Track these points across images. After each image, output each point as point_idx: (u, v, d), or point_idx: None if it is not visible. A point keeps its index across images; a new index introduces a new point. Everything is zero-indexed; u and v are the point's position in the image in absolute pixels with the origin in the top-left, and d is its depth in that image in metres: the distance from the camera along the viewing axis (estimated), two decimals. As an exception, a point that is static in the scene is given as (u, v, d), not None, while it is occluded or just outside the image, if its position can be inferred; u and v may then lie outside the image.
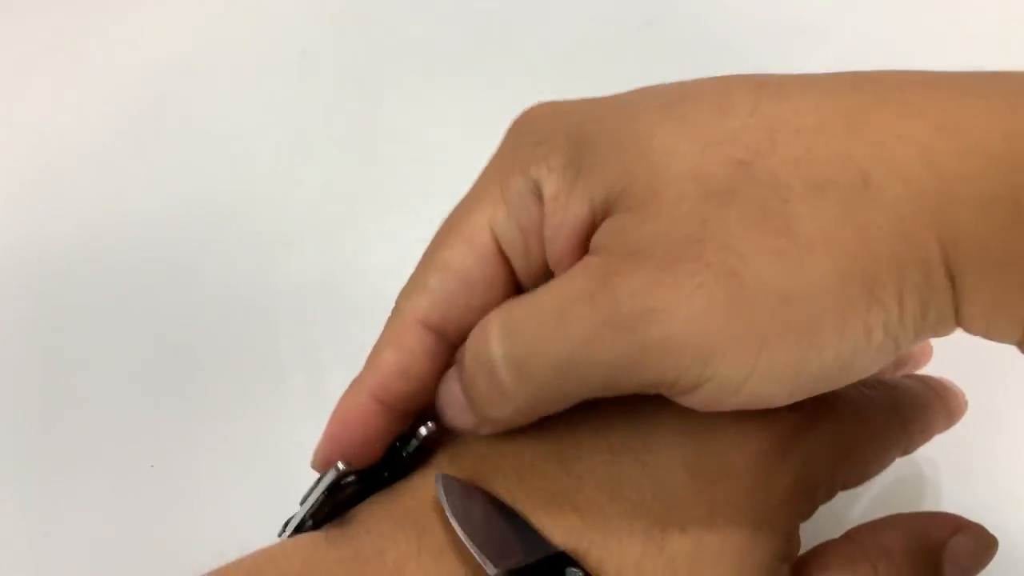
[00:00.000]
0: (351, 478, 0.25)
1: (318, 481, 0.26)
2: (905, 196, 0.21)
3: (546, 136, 0.25)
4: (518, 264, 0.25)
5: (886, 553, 0.26)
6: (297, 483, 0.32)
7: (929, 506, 0.36)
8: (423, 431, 0.26)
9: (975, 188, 0.20)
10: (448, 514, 0.24)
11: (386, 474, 0.27)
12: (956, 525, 0.27)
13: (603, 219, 0.23)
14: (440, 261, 0.26)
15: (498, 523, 0.24)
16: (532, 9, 0.54)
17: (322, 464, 0.26)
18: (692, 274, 0.21)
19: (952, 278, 0.21)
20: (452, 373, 0.26)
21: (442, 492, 0.24)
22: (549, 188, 0.24)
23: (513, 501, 0.25)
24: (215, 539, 0.35)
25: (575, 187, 0.24)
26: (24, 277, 0.44)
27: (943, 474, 0.36)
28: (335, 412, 0.26)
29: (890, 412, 0.28)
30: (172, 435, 0.38)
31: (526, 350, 0.23)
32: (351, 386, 0.26)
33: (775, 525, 0.25)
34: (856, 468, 0.27)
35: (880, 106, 0.22)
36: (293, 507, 0.28)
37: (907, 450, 0.29)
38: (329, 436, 0.26)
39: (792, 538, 0.26)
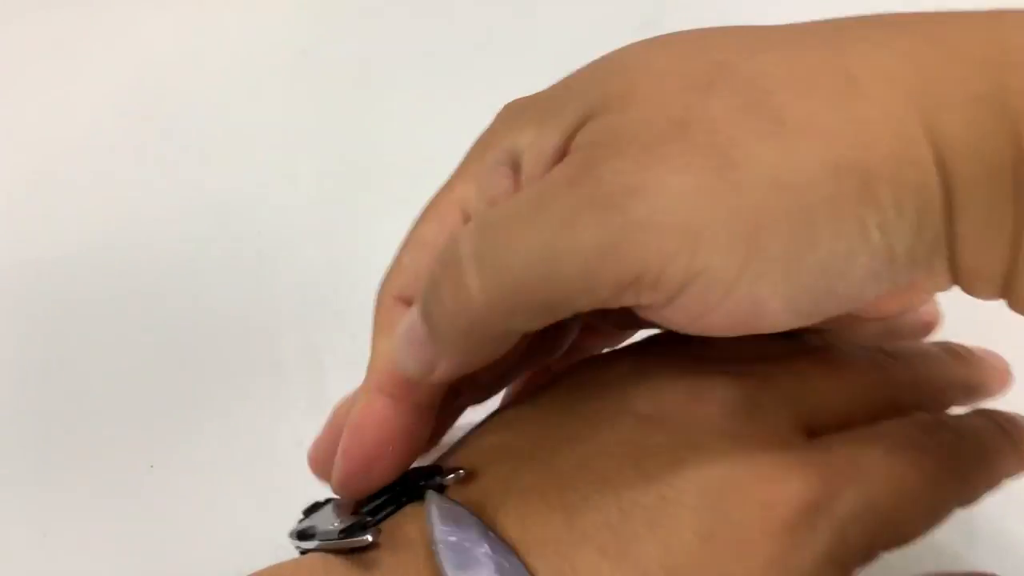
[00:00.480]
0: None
1: (336, 514, 0.25)
2: (893, 95, 0.20)
3: (521, 111, 0.24)
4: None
5: None
6: (297, 483, 0.32)
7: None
8: (451, 476, 0.25)
9: (961, 88, 0.20)
10: (437, 554, 0.22)
11: (404, 498, 0.26)
12: None
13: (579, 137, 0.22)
14: (413, 239, 0.26)
15: (491, 563, 0.23)
16: (532, 9, 0.54)
17: (341, 483, 0.25)
18: (680, 153, 0.20)
19: (945, 182, 0.20)
20: (404, 323, 0.24)
21: (431, 518, 0.23)
22: (524, 140, 0.23)
23: (514, 546, 0.23)
24: (215, 539, 0.35)
25: (546, 125, 0.23)
26: (23, 277, 0.44)
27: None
28: (348, 425, 0.25)
29: (945, 462, 0.25)
30: (172, 435, 0.38)
31: (497, 243, 0.21)
32: (357, 394, 0.26)
33: None
34: (902, 530, 0.24)
35: (863, 23, 0.21)
36: (293, 507, 0.28)
37: (967, 503, 0.26)
38: (345, 452, 0.25)
39: None
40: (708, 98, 0.21)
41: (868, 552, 0.24)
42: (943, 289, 0.23)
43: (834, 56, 0.21)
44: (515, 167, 0.24)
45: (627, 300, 0.21)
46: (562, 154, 0.22)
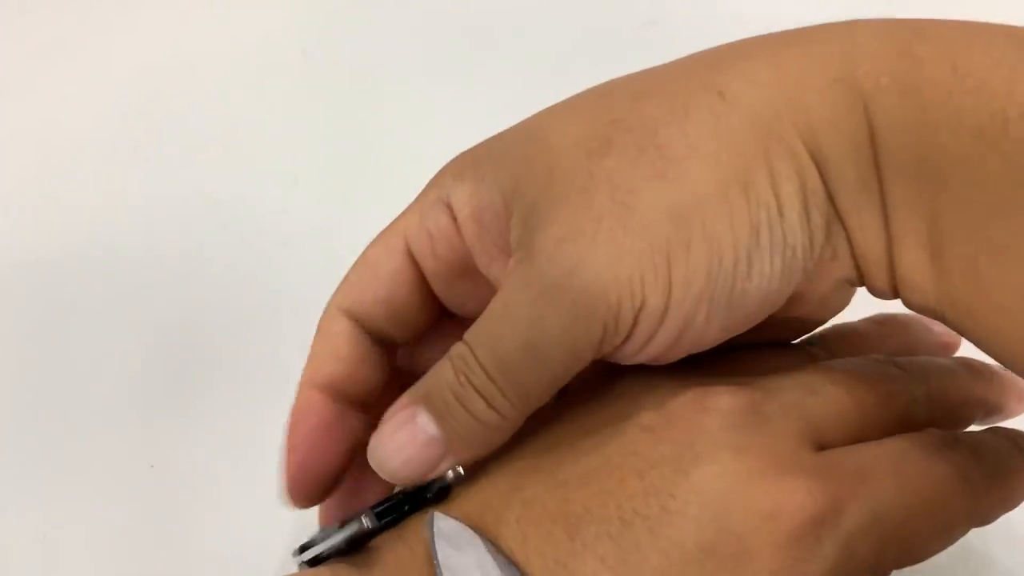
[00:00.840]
0: (370, 524, 0.25)
1: (341, 527, 0.25)
2: (757, 96, 0.24)
3: (463, 166, 0.27)
4: (426, 265, 0.27)
5: None
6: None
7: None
8: (450, 475, 0.26)
9: (817, 76, 0.23)
10: (437, 566, 0.23)
11: (407, 507, 0.26)
12: None
13: (512, 205, 0.25)
14: (361, 259, 0.28)
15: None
16: (532, 9, 0.54)
17: (290, 479, 0.27)
18: (593, 220, 0.23)
19: (818, 164, 0.23)
20: (401, 416, 0.25)
21: (433, 540, 0.24)
22: (460, 195, 0.26)
23: (514, 558, 0.24)
24: (215, 539, 0.35)
25: (484, 183, 0.26)
26: (23, 277, 0.44)
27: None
28: (287, 424, 0.27)
29: (959, 479, 0.25)
30: (172, 435, 0.38)
31: (496, 350, 0.24)
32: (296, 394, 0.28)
33: None
34: (912, 547, 0.25)
35: (733, 45, 0.25)
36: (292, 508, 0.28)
37: (982, 522, 0.26)
38: (288, 447, 0.27)
39: None
40: (606, 159, 0.24)
41: (877, 568, 0.24)
42: (854, 281, 0.25)
43: (705, 78, 0.24)
44: (449, 207, 0.27)
45: (604, 351, 0.24)
46: (504, 209, 0.25)
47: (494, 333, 0.24)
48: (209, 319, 0.42)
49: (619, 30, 0.52)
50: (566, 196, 0.24)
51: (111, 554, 0.35)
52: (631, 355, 0.24)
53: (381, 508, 0.26)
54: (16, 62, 0.52)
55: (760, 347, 0.28)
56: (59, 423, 0.39)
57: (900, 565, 0.24)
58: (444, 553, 0.23)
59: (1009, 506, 0.26)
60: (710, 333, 0.24)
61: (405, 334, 0.28)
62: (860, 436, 0.25)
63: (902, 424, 0.26)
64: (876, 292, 0.25)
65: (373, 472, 0.25)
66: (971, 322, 0.23)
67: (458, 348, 0.25)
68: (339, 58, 0.52)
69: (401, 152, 0.47)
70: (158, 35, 0.53)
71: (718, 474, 0.23)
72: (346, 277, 0.28)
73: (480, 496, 0.25)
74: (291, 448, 0.27)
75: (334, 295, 0.28)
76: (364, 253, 0.28)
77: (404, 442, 0.25)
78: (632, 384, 0.27)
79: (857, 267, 0.25)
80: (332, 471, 0.27)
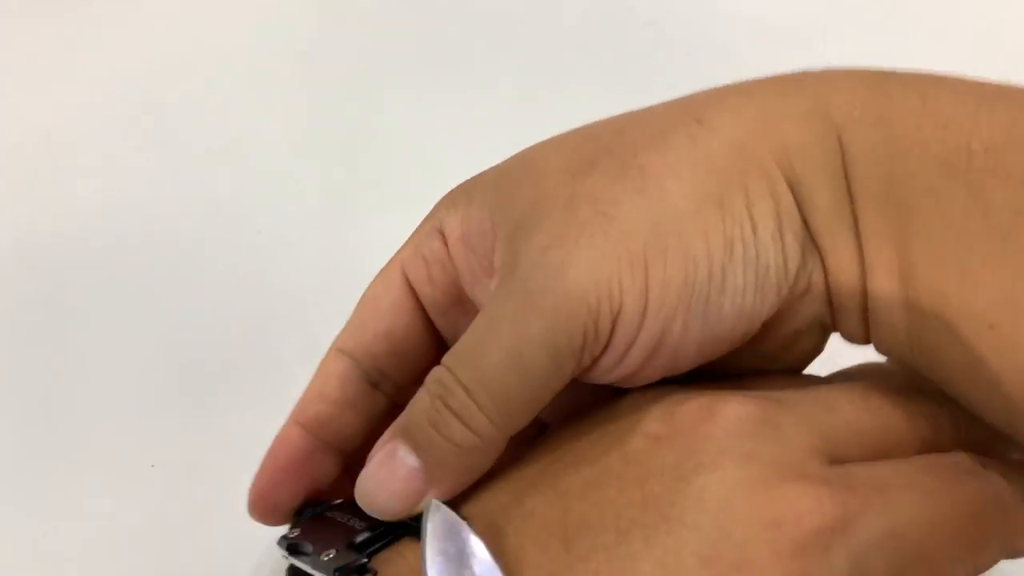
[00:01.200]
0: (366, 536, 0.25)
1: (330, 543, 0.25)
2: (734, 123, 0.25)
3: (454, 197, 0.28)
4: (423, 293, 0.28)
5: None
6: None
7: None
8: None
9: (791, 105, 0.25)
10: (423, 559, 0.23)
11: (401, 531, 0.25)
12: None
13: (499, 225, 0.26)
14: (362, 298, 0.29)
15: None
16: (532, 9, 0.54)
17: (251, 499, 0.28)
18: (575, 227, 0.24)
19: (792, 188, 0.24)
20: (383, 453, 0.25)
21: (425, 565, 0.23)
22: (452, 221, 0.27)
23: (509, 570, 0.23)
24: (215, 539, 0.35)
25: (473, 204, 0.27)
26: (25, 279, 0.44)
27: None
28: (268, 450, 0.28)
29: (985, 503, 0.24)
30: (172, 435, 0.38)
31: (476, 364, 0.24)
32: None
33: None
34: (935, 569, 0.23)
35: (715, 87, 0.26)
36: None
37: (1014, 552, 0.24)
38: (261, 468, 0.28)
39: None
40: (589, 178, 0.25)
41: None
42: (827, 320, 0.26)
43: (685, 110, 0.26)
44: (442, 233, 0.28)
45: (585, 362, 0.24)
46: (491, 229, 0.26)
47: (475, 349, 0.24)
48: (209, 320, 0.42)
49: (619, 30, 0.52)
50: (550, 211, 0.25)
51: (111, 554, 0.35)
52: (610, 368, 0.25)
53: (363, 539, 0.25)
54: (16, 63, 0.52)
55: (770, 372, 0.27)
56: (60, 423, 0.39)
57: None
58: (432, 548, 0.23)
59: None
60: (687, 349, 0.25)
61: (406, 372, 0.28)
62: (880, 456, 0.24)
63: (927, 448, 0.25)
64: (848, 332, 0.26)
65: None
66: (939, 361, 0.23)
67: (435, 372, 0.25)
68: (339, 58, 0.52)
69: (401, 152, 0.47)
70: (158, 35, 0.53)
71: (720, 481, 0.22)
72: (349, 319, 0.29)
73: (481, 510, 0.25)
74: (259, 472, 0.28)
75: (337, 336, 0.29)
76: (364, 292, 0.29)
77: (385, 477, 0.25)
78: (640, 396, 0.26)
79: (830, 301, 0.25)
80: (291, 502, 0.28)
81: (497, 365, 0.24)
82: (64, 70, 0.52)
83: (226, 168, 0.48)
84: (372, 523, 0.25)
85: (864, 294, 0.24)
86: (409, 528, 0.25)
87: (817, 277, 0.25)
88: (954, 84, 0.24)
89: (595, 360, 0.25)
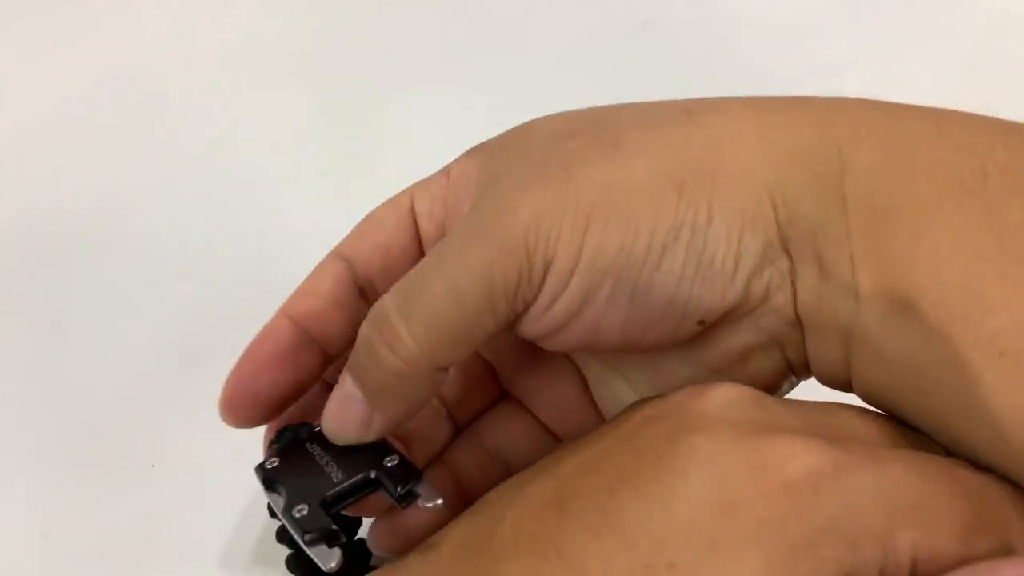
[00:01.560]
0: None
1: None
2: (722, 121, 0.25)
3: (471, 148, 0.29)
4: (422, 224, 0.29)
5: None
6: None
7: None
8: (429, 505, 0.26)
9: (791, 116, 0.25)
10: None
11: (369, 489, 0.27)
12: None
13: (482, 174, 0.27)
14: (368, 214, 0.30)
15: None
16: (532, 9, 0.54)
17: (227, 392, 0.28)
18: (536, 179, 0.25)
19: (772, 193, 0.24)
20: (339, 382, 0.27)
21: None
22: (456, 166, 0.29)
23: (505, 543, 0.24)
24: (215, 539, 0.35)
25: (472, 158, 0.28)
26: (24, 279, 0.44)
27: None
28: (250, 343, 0.29)
29: (981, 491, 0.23)
30: (172, 435, 0.38)
31: (415, 292, 0.25)
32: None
33: (797, 570, 0.21)
34: (931, 535, 0.21)
35: (714, 98, 0.26)
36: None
37: (1007, 548, 0.22)
38: (242, 358, 0.28)
39: None
40: (569, 141, 0.26)
41: (889, 544, 0.21)
42: (787, 344, 0.25)
43: (681, 105, 0.26)
44: (449, 174, 0.29)
45: (518, 307, 0.25)
46: (476, 175, 0.27)
47: (416, 278, 0.25)
48: (209, 320, 0.42)
49: (618, 30, 0.52)
50: (523, 164, 0.26)
51: (111, 554, 0.35)
52: (536, 318, 0.25)
53: (333, 495, 0.26)
54: (18, 61, 0.52)
55: None
56: (59, 423, 0.39)
57: (920, 562, 0.21)
58: None
59: None
60: (611, 321, 0.25)
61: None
62: None
63: None
64: (821, 364, 0.25)
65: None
66: (934, 397, 0.22)
67: (377, 303, 0.26)
68: (339, 58, 0.52)
69: (401, 152, 0.47)
70: (158, 35, 0.53)
71: (709, 438, 0.22)
72: (352, 230, 0.30)
73: (486, 500, 0.26)
74: (240, 362, 0.28)
75: (339, 243, 0.30)
76: (373, 210, 0.30)
77: (337, 407, 0.26)
78: (635, 402, 0.27)
79: (799, 322, 0.24)
80: (271, 393, 0.28)
81: (433, 292, 0.24)
82: (64, 68, 0.52)
83: (226, 168, 0.48)
84: (342, 467, 0.26)
85: (847, 317, 0.23)
86: (376, 484, 0.26)
87: (780, 290, 0.24)
88: (968, 115, 0.24)
89: (527, 307, 0.25)
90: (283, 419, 0.29)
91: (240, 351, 0.41)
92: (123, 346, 0.41)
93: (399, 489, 0.26)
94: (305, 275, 0.43)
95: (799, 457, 0.21)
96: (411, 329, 0.25)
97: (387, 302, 0.25)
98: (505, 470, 0.28)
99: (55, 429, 0.39)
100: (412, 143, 0.48)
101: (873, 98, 0.25)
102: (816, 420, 0.24)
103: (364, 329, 0.26)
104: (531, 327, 0.26)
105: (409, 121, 0.49)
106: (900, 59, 0.51)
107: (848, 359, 0.24)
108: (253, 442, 0.32)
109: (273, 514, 0.27)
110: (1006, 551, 0.22)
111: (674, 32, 0.52)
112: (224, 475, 0.37)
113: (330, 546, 0.25)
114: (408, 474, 0.26)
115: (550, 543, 0.23)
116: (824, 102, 0.25)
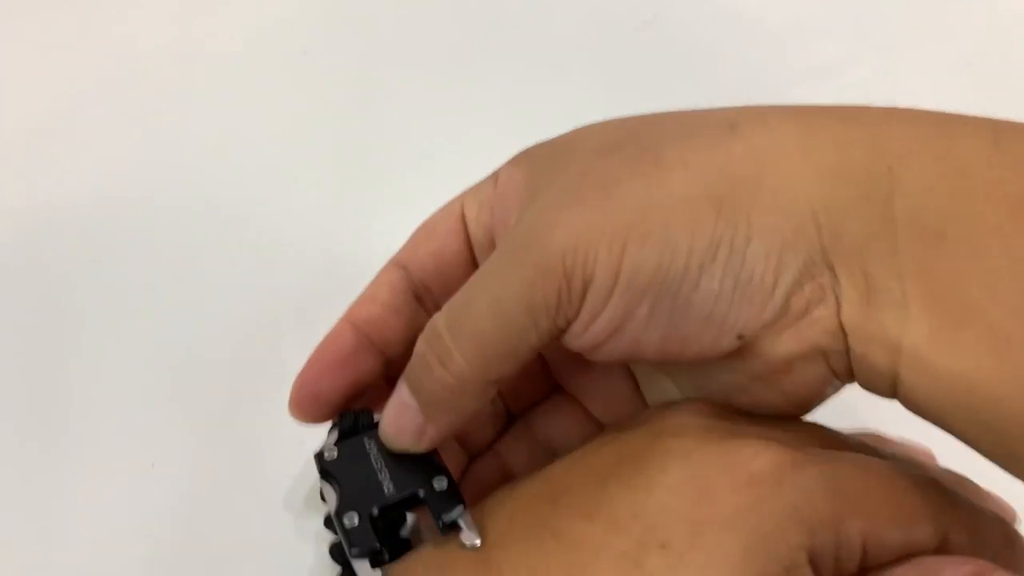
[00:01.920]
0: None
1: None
2: (766, 135, 0.25)
3: (519, 153, 0.30)
4: (472, 229, 0.30)
5: None
6: (299, 481, 0.31)
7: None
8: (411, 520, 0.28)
9: (839, 130, 0.24)
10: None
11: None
12: (974, 568, 0.24)
13: (525, 189, 0.27)
14: (422, 223, 0.31)
15: None
16: (532, 9, 0.54)
17: (295, 390, 0.30)
18: (576, 199, 0.25)
19: (816, 210, 0.24)
20: (395, 390, 0.28)
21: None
22: (503, 172, 0.29)
23: (498, 536, 0.26)
24: (215, 539, 0.35)
25: (518, 166, 0.29)
26: (24, 280, 0.44)
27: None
28: (317, 346, 0.30)
29: (921, 484, 0.26)
30: (172, 435, 0.38)
31: (461, 312, 0.26)
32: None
33: (770, 553, 0.23)
34: (876, 523, 0.24)
35: (758, 106, 0.26)
36: (294, 505, 0.28)
37: (947, 542, 0.25)
38: (308, 361, 0.30)
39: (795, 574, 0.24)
40: (610, 157, 0.26)
41: (841, 532, 0.24)
42: (832, 354, 0.25)
43: (725, 115, 0.26)
44: (497, 179, 0.30)
45: (560, 323, 0.26)
46: (522, 188, 0.28)
47: (463, 298, 0.26)
48: (209, 319, 0.42)
49: (619, 29, 0.52)
50: (564, 180, 0.26)
51: (111, 554, 0.35)
52: (578, 335, 0.26)
53: (382, 509, 0.28)
54: (15, 62, 0.52)
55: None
56: (59, 423, 0.39)
57: (870, 551, 0.24)
58: None
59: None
60: (650, 336, 0.25)
61: (447, 295, 0.29)
62: None
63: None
64: (867, 375, 0.25)
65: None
66: (988, 413, 0.22)
67: (431, 320, 0.27)
68: (339, 58, 0.52)
69: (401, 152, 0.47)
70: (158, 35, 0.53)
71: (683, 440, 0.26)
72: (408, 239, 0.31)
73: (478, 506, 0.28)
74: (307, 365, 0.30)
75: (397, 252, 0.31)
76: (427, 218, 0.31)
77: (393, 414, 0.28)
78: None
79: (843, 333, 0.25)
80: (333, 395, 0.30)
81: (478, 312, 0.26)
82: (64, 68, 0.52)
83: (226, 168, 0.47)
84: (394, 477, 0.28)
85: (896, 329, 0.24)
86: (423, 503, 0.27)
87: (822, 303, 0.25)
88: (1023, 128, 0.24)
89: (568, 323, 0.26)
90: None
91: (240, 351, 0.42)
92: (123, 345, 0.41)
93: (443, 517, 0.27)
94: (305, 274, 0.43)
95: (762, 455, 0.25)
96: (459, 346, 0.26)
97: (439, 320, 0.26)
98: (553, 460, 0.29)
99: (55, 429, 0.39)
100: (412, 142, 0.48)
101: (923, 109, 0.25)
102: (774, 429, 0.26)
103: (419, 345, 0.27)
104: (574, 342, 0.26)
105: (409, 120, 0.49)
106: (900, 59, 0.51)
107: (895, 370, 0.24)
108: (254, 441, 0.32)
109: (324, 500, 0.29)
110: (943, 541, 0.25)
111: (676, 31, 0.52)
112: (224, 475, 0.37)
113: (373, 565, 0.27)
114: (454, 502, 0.27)
115: (545, 528, 0.25)
116: (874, 114, 0.25)
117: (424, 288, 0.30)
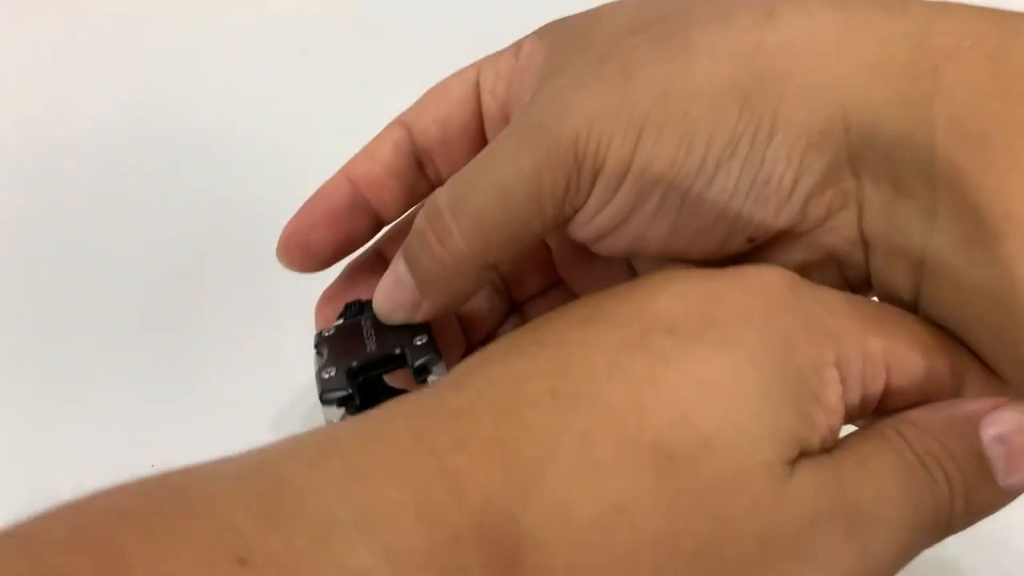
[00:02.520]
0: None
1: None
2: (804, 24, 0.23)
3: (544, 25, 0.28)
4: (485, 100, 0.28)
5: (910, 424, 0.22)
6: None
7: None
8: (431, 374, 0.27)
9: (883, 23, 0.22)
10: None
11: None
12: (996, 402, 0.22)
13: (545, 64, 0.26)
14: (433, 86, 0.30)
15: None
16: (532, 9, 0.54)
17: (284, 235, 0.29)
18: (593, 81, 0.24)
19: (847, 107, 0.22)
20: (392, 264, 0.27)
21: None
22: (527, 47, 0.28)
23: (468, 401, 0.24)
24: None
25: (542, 39, 0.27)
26: (23, 282, 0.44)
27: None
28: (311, 196, 0.29)
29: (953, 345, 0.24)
30: (172, 435, 0.38)
31: (465, 190, 0.25)
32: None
33: (794, 347, 0.22)
34: (898, 345, 0.23)
35: None
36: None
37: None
38: (299, 210, 0.29)
39: (807, 415, 0.21)
40: (636, 36, 0.24)
41: (862, 341, 0.22)
42: (850, 263, 0.24)
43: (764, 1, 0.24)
44: (519, 51, 0.28)
45: (567, 211, 0.24)
46: (539, 64, 0.26)
47: (468, 175, 0.25)
48: (210, 319, 0.42)
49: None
50: (585, 60, 0.25)
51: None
52: (583, 224, 0.25)
53: (358, 366, 0.27)
54: (19, 60, 0.52)
55: None
56: (59, 423, 0.39)
57: (893, 365, 0.23)
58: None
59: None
60: (657, 231, 0.24)
61: (449, 167, 0.29)
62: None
63: None
64: (886, 282, 0.24)
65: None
66: (1009, 332, 0.21)
67: (431, 195, 0.26)
68: (339, 58, 0.52)
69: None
70: (158, 34, 0.53)
71: (683, 269, 0.24)
72: (416, 100, 0.30)
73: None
74: (297, 214, 0.29)
75: (404, 110, 0.30)
76: (439, 81, 0.30)
77: (389, 287, 0.27)
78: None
79: (864, 241, 0.24)
80: (322, 248, 0.29)
81: (483, 194, 0.24)
82: (62, 69, 0.52)
83: (225, 167, 0.48)
84: (379, 340, 0.27)
85: (920, 239, 0.23)
86: (402, 360, 0.27)
87: (842, 211, 0.24)
88: None
89: (575, 211, 0.25)
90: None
91: (240, 351, 0.42)
92: (126, 346, 0.41)
93: (416, 363, 0.27)
94: (305, 277, 0.43)
95: (773, 271, 0.23)
96: (460, 227, 0.25)
97: (440, 196, 0.25)
98: None
99: (55, 428, 0.39)
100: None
101: (979, 5, 0.23)
102: None
103: (419, 221, 0.26)
104: (578, 231, 0.25)
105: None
106: None
107: (916, 281, 0.24)
108: (254, 441, 0.31)
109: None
110: (961, 384, 0.23)
111: None
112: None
113: (338, 406, 0.26)
114: (428, 352, 0.27)
115: (529, 340, 0.23)
116: (923, 8, 0.23)
117: (426, 154, 0.29)
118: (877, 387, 0.23)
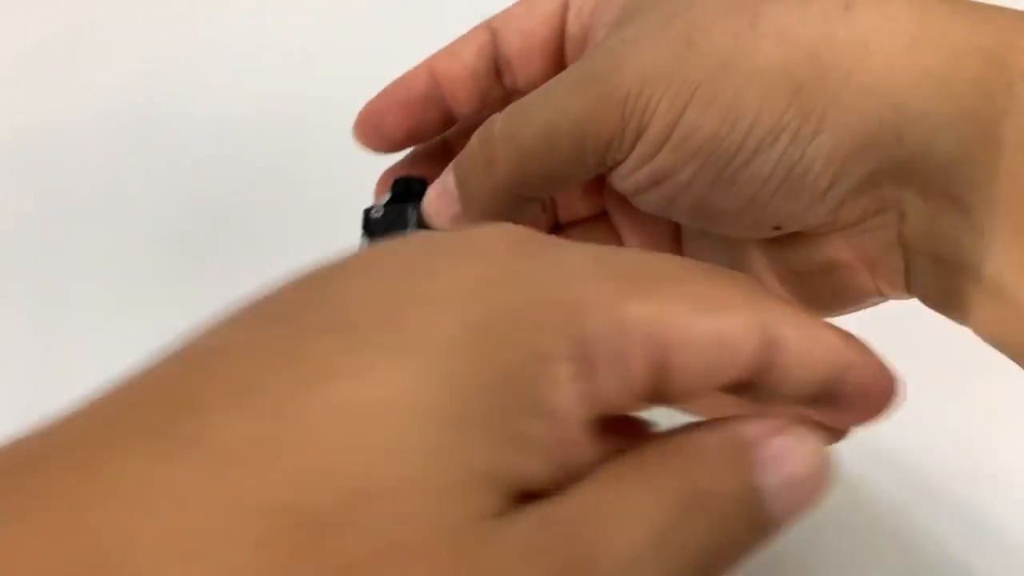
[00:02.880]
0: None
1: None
2: (877, 23, 0.22)
3: None
4: (570, 19, 0.29)
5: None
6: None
7: (928, 504, 0.36)
8: None
9: (958, 33, 0.22)
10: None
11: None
12: (774, 426, 0.18)
13: (617, 11, 0.26)
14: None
15: None
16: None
17: (360, 115, 0.30)
18: (655, 39, 0.24)
19: (905, 117, 0.22)
20: (444, 172, 0.28)
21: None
22: None
23: None
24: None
25: None
26: (24, 283, 0.44)
27: (945, 473, 0.36)
28: (393, 81, 0.31)
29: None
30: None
31: (516, 123, 0.25)
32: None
33: (504, 335, 0.16)
34: (674, 313, 0.18)
35: None
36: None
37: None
38: (379, 94, 0.30)
39: (520, 437, 0.16)
40: (709, 2, 0.24)
41: (613, 311, 0.17)
42: (888, 271, 0.24)
43: None
44: None
45: (608, 162, 0.25)
46: (616, 4, 0.27)
47: (525, 108, 0.26)
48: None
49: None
50: (656, 15, 0.25)
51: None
52: (622, 177, 0.25)
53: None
54: (18, 59, 0.52)
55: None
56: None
57: (670, 335, 0.17)
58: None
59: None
60: (686, 200, 0.25)
61: (524, 81, 0.29)
62: None
63: None
64: (933, 293, 0.24)
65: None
66: None
67: (489, 119, 0.26)
68: (339, 58, 0.52)
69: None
70: (158, 33, 0.53)
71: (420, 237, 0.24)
72: (510, 6, 0.30)
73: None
74: (378, 95, 0.30)
75: (496, 14, 0.30)
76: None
77: (436, 196, 0.28)
78: None
79: (903, 248, 0.23)
80: (394, 132, 0.30)
81: (531, 129, 0.25)
82: (62, 69, 0.52)
83: (225, 167, 0.47)
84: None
85: (971, 255, 0.22)
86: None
87: (880, 215, 0.23)
88: None
89: (617, 164, 0.25)
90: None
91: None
92: (127, 346, 0.41)
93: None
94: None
95: (499, 229, 0.19)
96: (506, 156, 0.25)
97: (496, 123, 0.26)
98: None
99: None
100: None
101: None
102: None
103: (473, 139, 0.27)
104: (618, 183, 0.26)
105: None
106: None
107: (967, 296, 0.23)
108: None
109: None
110: (772, 342, 0.18)
111: None
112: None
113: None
114: None
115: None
116: (1006, 19, 0.22)
117: (505, 62, 0.30)
118: (646, 367, 0.17)
